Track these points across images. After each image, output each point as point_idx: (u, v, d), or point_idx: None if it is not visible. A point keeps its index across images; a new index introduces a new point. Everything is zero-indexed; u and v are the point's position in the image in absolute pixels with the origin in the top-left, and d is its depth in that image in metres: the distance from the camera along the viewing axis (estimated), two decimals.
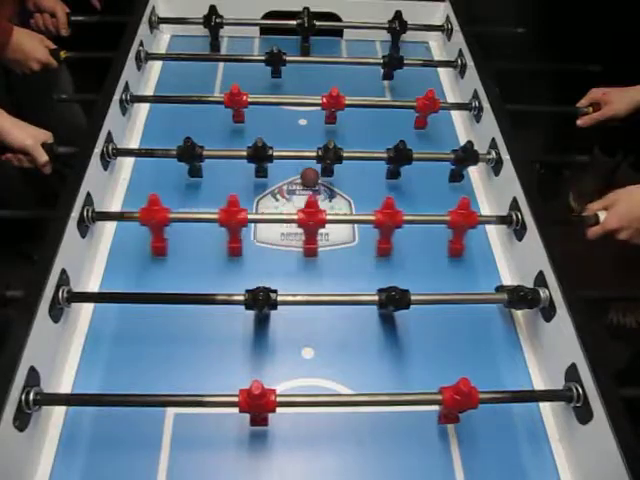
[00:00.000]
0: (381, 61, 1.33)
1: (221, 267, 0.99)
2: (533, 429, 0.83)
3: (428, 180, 1.15)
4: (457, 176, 1.15)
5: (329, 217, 0.97)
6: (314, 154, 1.08)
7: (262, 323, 0.91)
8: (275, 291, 0.86)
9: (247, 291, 0.85)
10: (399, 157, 1.09)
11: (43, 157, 1.03)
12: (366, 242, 1.04)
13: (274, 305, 0.85)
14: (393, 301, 0.86)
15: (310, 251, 1.02)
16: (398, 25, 1.43)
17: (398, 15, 1.43)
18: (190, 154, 1.07)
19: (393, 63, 1.33)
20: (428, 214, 1.01)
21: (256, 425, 0.78)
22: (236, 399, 0.73)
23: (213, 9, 1.40)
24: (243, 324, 0.91)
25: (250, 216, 0.96)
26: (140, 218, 0.95)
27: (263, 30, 1.52)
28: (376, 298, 0.87)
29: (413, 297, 0.87)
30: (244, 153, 1.07)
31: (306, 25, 1.39)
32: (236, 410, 0.74)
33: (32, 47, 1.27)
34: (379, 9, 1.46)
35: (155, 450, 0.77)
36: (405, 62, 1.33)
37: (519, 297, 0.89)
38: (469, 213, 0.98)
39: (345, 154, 1.08)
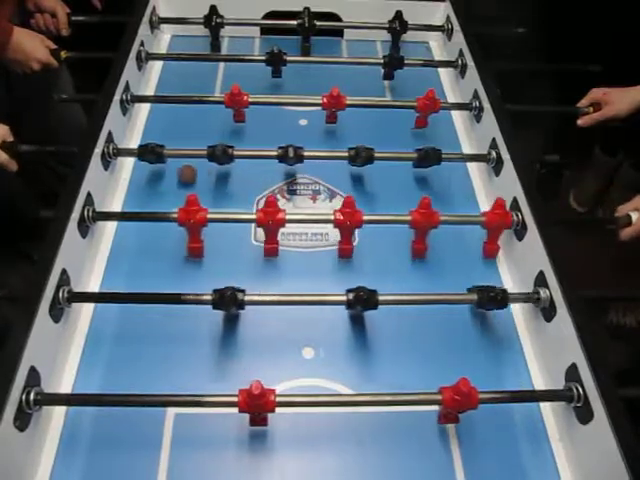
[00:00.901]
0: (381, 61, 1.33)
1: (219, 267, 0.99)
2: (533, 429, 0.83)
3: (425, 180, 1.15)
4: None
5: (288, 217, 0.96)
6: (275, 153, 1.08)
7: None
8: (243, 291, 0.85)
9: (214, 291, 0.85)
10: (365, 157, 1.08)
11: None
12: (366, 243, 1.04)
13: (241, 305, 0.84)
14: (361, 301, 0.85)
15: (270, 251, 1.00)
16: (398, 25, 1.43)
17: (398, 15, 1.43)
18: (152, 152, 1.07)
19: (393, 63, 1.33)
20: (390, 214, 1.00)
21: (256, 425, 0.78)
22: (236, 399, 0.73)
23: (214, 9, 1.40)
24: (243, 324, 0.91)
25: (209, 215, 0.94)
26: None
27: (263, 30, 1.51)
28: (344, 298, 0.86)
29: (381, 297, 0.86)
30: (204, 152, 1.07)
31: (306, 25, 1.39)
32: (236, 410, 0.74)
33: (32, 47, 1.27)
34: (379, 9, 1.46)
35: (155, 450, 0.77)
36: (405, 62, 1.33)
37: (489, 298, 0.88)
38: (431, 213, 0.96)
39: (306, 153, 1.08)
